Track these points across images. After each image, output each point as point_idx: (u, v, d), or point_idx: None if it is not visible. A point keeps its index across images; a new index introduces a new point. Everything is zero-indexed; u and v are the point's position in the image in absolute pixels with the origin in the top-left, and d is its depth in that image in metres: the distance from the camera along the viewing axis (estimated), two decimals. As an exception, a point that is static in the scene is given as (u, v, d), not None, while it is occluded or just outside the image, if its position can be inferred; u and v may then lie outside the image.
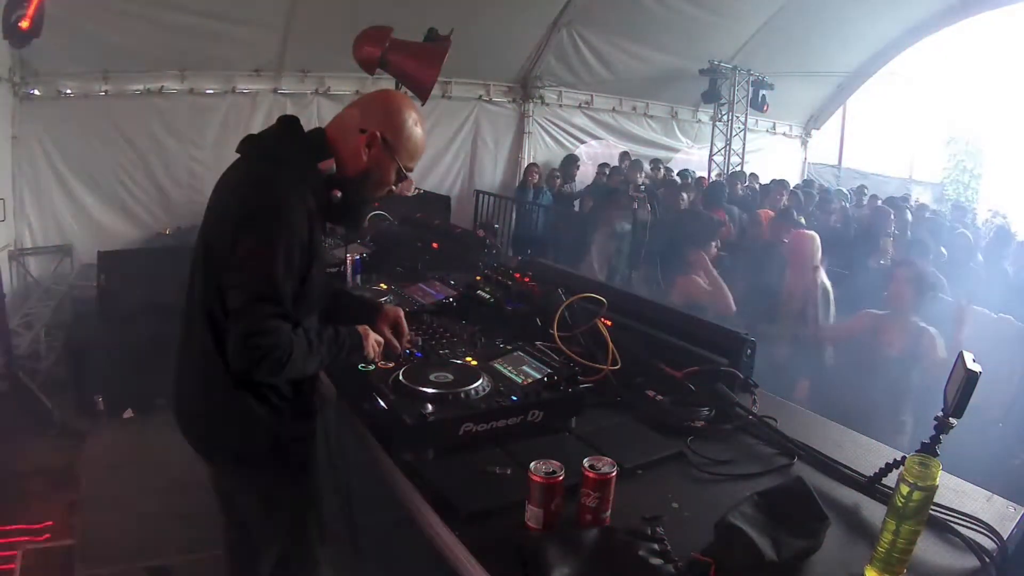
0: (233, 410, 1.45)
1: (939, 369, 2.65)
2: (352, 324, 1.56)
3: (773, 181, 6.76)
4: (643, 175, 6.78)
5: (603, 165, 7.23)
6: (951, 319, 3.04)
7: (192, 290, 1.46)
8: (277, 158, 1.41)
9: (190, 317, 1.46)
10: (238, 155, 1.48)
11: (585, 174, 7.29)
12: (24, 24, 3.26)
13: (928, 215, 6.64)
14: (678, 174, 7.56)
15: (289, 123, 1.47)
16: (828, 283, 3.46)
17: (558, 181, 6.93)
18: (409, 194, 4.07)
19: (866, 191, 8.12)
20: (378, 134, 1.43)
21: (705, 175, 8.04)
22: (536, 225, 6.34)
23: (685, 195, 5.68)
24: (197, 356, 1.46)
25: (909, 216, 5.76)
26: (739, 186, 7.05)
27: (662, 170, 7.75)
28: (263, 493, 1.56)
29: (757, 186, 7.39)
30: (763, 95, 8.19)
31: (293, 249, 1.33)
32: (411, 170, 1.51)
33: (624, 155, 7.69)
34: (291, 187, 1.36)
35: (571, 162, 7.17)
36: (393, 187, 1.52)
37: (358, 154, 1.43)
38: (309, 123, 1.51)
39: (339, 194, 1.43)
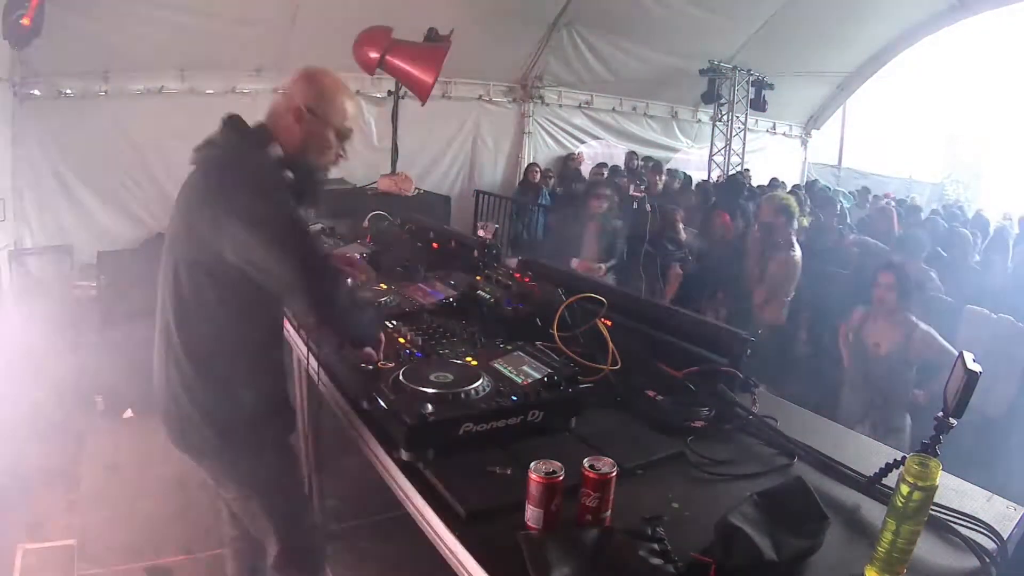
0: (207, 405, 1.51)
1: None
2: None
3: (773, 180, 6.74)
4: (662, 178, 6.63)
5: (601, 164, 7.23)
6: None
7: (167, 292, 1.52)
8: (235, 154, 1.50)
9: (165, 321, 1.53)
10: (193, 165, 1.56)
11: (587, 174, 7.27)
12: (25, 22, 3.26)
13: (923, 213, 6.64)
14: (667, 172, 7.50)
15: (234, 121, 1.54)
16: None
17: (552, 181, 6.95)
18: (409, 194, 4.06)
19: (869, 192, 8.12)
20: (303, 107, 1.51)
21: (703, 175, 8.02)
22: (536, 224, 6.34)
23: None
24: (168, 359, 1.53)
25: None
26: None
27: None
28: (251, 484, 1.60)
29: (746, 180, 7.31)
30: (763, 95, 8.18)
31: (296, 214, 1.45)
32: (350, 129, 1.58)
33: (632, 154, 7.67)
34: (262, 170, 1.47)
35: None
36: (340, 150, 1.60)
37: (293, 132, 1.52)
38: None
39: (291, 174, 1.52)
